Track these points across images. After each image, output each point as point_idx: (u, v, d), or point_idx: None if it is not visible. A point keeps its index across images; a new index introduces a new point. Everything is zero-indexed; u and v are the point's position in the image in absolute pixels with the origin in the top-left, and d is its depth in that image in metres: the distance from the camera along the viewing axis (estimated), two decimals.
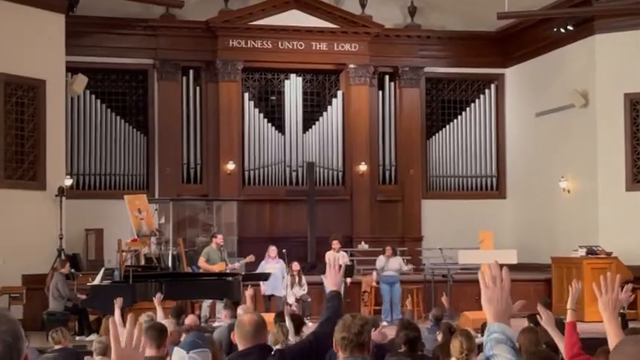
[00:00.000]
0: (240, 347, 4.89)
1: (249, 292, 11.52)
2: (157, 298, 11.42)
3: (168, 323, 8.44)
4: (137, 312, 11.72)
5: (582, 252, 18.00)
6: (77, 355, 8.88)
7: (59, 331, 9.66)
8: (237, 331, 4.87)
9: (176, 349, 4.44)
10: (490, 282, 2.90)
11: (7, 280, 16.74)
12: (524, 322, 9.98)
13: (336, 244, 17.83)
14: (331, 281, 5.22)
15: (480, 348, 6.52)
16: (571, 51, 21.46)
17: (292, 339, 9.08)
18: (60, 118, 19.48)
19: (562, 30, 21.07)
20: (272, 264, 16.97)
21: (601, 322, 4.17)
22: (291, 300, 16.84)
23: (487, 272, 2.92)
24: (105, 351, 8.30)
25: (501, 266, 2.95)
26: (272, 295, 16.94)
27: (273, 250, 17.11)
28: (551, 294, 18.26)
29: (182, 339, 7.03)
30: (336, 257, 17.42)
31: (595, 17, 20.41)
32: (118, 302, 10.95)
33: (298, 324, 8.88)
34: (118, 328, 2.50)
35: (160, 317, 10.14)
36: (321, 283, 17.41)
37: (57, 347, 9.34)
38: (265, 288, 16.86)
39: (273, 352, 4.84)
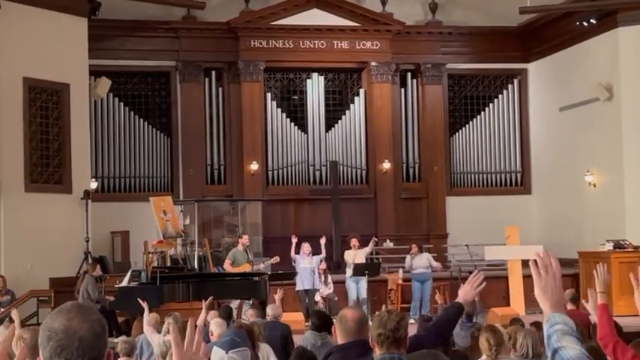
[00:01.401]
0: (341, 341, 4.88)
1: (278, 295, 11.47)
2: (206, 302, 11.34)
3: (219, 323, 8.46)
4: (163, 313, 11.77)
5: (609, 246, 17.86)
6: (111, 355, 8.90)
7: None
8: (340, 326, 4.84)
9: (215, 348, 4.44)
10: (542, 271, 2.84)
11: (35, 284, 16.82)
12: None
13: (355, 242, 17.80)
14: (462, 293, 5.26)
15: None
16: (594, 44, 21.32)
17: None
18: (84, 121, 19.57)
19: (585, 23, 20.93)
20: (307, 259, 16.99)
21: (629, 315, 4.14)
22: (317, 298, 16.88)
23: (538, 261, 2.85)
24: (130, 352, 8.34)
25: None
26: (308, 291, 16.95)
27: (306, 246, 17.12)
28: (579, 288, 18.12)
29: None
30: (356, 255, 17.46)
31: (618, 10, 20.28)
32: (145, 305, 10.94)
33: (326, 322, 8.81)
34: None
35: (201, 319, 10.13)
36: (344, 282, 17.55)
37: None
38: (299, 284, 16.91)
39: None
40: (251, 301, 14.61)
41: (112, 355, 2.29)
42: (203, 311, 10.57)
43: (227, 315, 10.48)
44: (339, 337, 4.90)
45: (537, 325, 8.67)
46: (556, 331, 2.70)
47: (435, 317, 5.19)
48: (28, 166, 18.06)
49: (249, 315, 11.53)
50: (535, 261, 2.87)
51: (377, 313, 4.65)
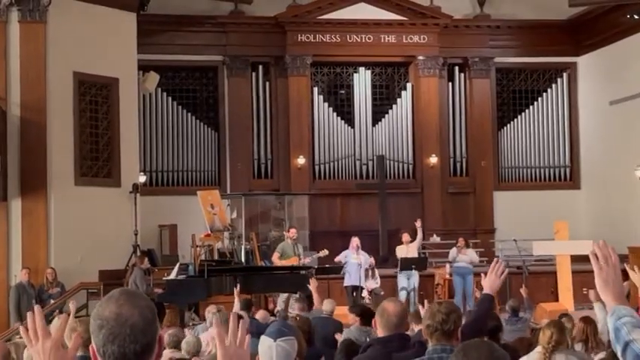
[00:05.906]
0: (381, 334, 4.93)
1: (313, 285, 11.38)
2: (237, 291, 11.45)
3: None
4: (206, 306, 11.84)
5: None
6: (163, 340, 8.99)
7: None
8: (381, 320, 4.89)
9: (263, 337, 4.45)
10: (603, 262, 2.79)
11: (85, 276, 16.99)
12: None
13: (406, 237, 17.70)
14: (487, 284, 5.24)
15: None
16: None
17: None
18: (133, 115, 19.74)
19: (636, 16, 20.67)
20: (355, 255, 16.89)
21: None
22: (364, 293, 16.80)
23: (598, 252, 2.81)
24: (177, 344, 8.42)
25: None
26: (356, 287, 16.85)
27: (355, 240, 17.00)
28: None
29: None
30: (408, 250, 17.37)
31: None
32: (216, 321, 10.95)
33: (370, 316, 8.77)
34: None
35: (236, 308, 10.19)
36: (394, 276, 17.44)
37: None
38: (347, 280, 16.81)
39: (412, 343, 4.85)
40: (298, 295, 14.60)
41: (163, 340, 2.30)
42: (236, 301, 10.65)
43: (247, 307, 10.49)
44: (379, 330, 4.92)
45: (586, 320, 8.54)
46: (625, 324, 2.65)
47: (474, 314, 5.14)
48: (78, 160, 18.25)
49: (296, 308, 11.51)
50: (595, 253, 2.83)
51: (428, 304, 4.66)
